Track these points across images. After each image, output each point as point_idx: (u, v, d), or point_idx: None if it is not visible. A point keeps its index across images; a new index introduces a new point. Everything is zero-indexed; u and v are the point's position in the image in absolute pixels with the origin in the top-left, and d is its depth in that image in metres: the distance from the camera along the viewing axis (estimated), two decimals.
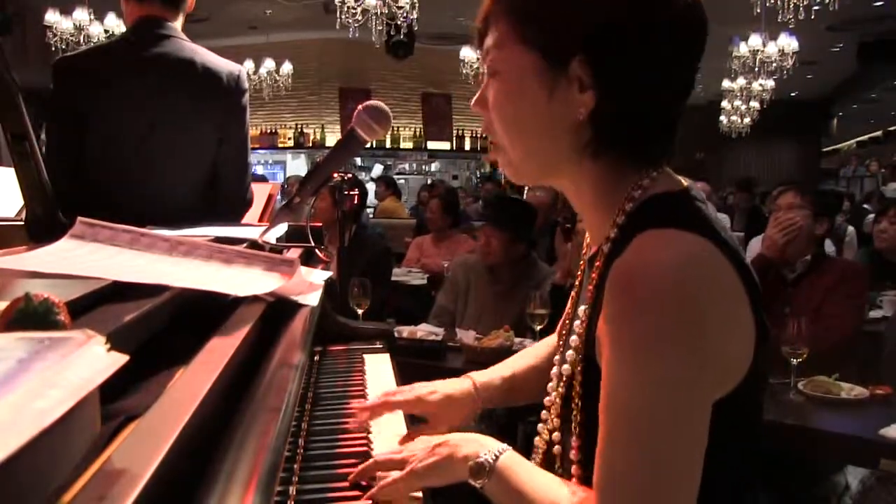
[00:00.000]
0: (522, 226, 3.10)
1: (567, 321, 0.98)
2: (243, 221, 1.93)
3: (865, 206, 8.81)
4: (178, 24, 1.87)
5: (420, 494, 0.90)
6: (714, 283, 0.73)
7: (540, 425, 0.96)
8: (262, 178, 8.28)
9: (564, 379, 0.89)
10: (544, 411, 0.95)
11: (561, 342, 0.98)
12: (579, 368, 0.85)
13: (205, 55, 1.86)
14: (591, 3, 0.77)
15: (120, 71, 1.81)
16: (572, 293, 1.00)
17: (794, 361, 2.05)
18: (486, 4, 0.86)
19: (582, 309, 0.87)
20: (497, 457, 0.83)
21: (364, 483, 0.89)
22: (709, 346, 0.71)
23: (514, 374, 1.14)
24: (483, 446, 0.84)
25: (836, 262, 2.70)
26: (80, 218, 0.94)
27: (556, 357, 0.96)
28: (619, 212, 0.82)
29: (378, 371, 1.44)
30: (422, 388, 1.09)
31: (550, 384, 0.95)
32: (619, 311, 0.73)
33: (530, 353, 1.18)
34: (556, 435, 0.92)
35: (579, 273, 0.98)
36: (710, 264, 0.73)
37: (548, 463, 0.94)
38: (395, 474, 0.88)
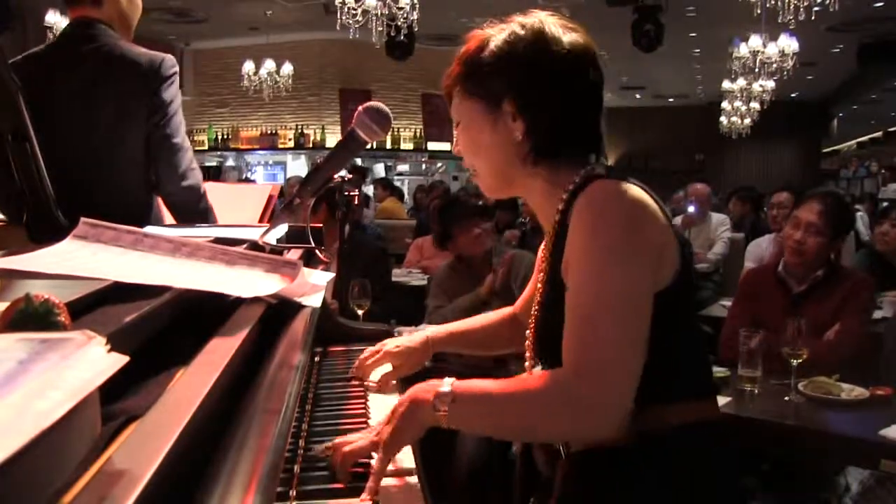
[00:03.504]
0: (485, 207, 3.18)
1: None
2: (242, 223, 1.92)
3: (857, 206, 8.78)
4: (109, 23, 1.86)
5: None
6: (642, 202, 1.04)
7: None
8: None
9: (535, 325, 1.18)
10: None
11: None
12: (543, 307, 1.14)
13: (128, 49, 1.85)
14: (508, 65, 1.10)
15: (49, 74, 1.80)
16: (537, 280, 1.27)
17: (794, 362, 2.05)
18: (445, 83, 1.18)
19: (543, 266, 1.17)
20: (451, 383, 0.99)
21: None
22: (645, 242, 1.02)
23: (458, 330, 1.50)
24: (435, 383, 1.00)
25: (845, 275, 2.57)
26: (83, 219, 0.94)
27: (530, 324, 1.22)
28: (560, 199, 1.11)
29: (378, 372, 1.44)
30: (389, 345, 1.43)
31: (527, 342, 1.23)
32: (583, 225, 1.02)
33: (481, 317, 1.54)
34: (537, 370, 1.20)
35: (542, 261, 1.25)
36: (640, 193, 1.05)
37: None
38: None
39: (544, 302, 1.15)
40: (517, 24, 1.12)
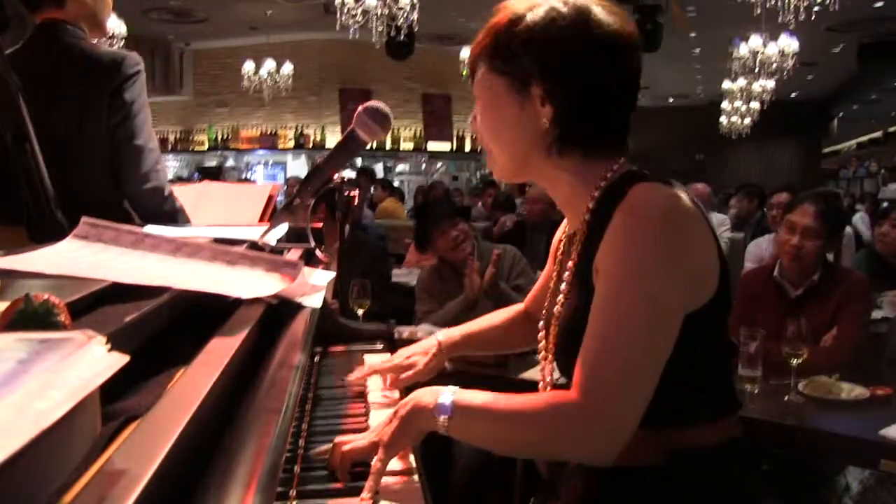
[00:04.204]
0: (462, 207, 3.14)
1: (551, 292, 1.19)
2: (242, 223, 1.91)
3: (858, 206, 8.78)
4: (76, 24, 1.84)
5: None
6: (691, 216, 0.97)
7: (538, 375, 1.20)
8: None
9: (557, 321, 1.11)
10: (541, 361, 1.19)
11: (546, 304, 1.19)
12: (571, 309, 1.08)
13: (90, 49, 1.83)
14: (543, 43, 1.01)
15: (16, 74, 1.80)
16: (551, 273, 1.24)
17: (794, 362, 2.04)
18: (471, 54, 1.11)
19: (569, 264, 1.10)
20: (453, 392, 0.96)
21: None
22: (687, 261, 0.95)
23: (473, 331, 1.43)
24: (437, 391, 0.97)
25: (841, 276, 2.54)
26: (83, 218, 0.94)
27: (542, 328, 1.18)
28: (591, 196, 1.05)
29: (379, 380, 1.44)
30: (398, 357, 1.37)
31: (541, 344, 1.18)
32: (623, 232, 0.95)
33: (493, 316, 1.46)
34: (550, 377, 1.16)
35: (559, 254, 1.21)
36: (687, 205, 0.97)
37: None
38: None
39: (572, 303, 1.08)
40: (559, 1, 1.02)
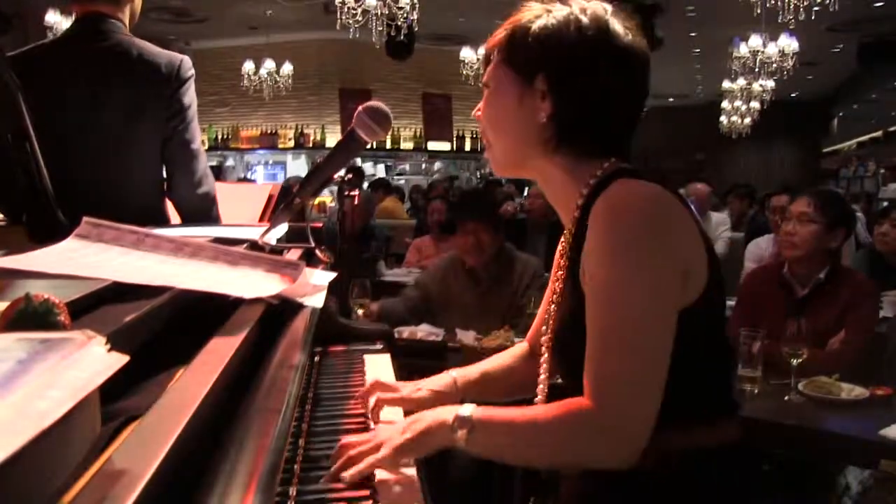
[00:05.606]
0: (497, 213, 3.03)
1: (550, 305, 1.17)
2: (241, 222, 1.90)
3: (854, 206, 8.76)
4: (122, 20, 1.83)
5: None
6: (673, 208, 0.98)
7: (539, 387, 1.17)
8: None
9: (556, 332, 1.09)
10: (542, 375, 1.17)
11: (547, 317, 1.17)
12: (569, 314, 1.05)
13: (144, 47, 1.81)
14: (556, 41, 1.04)
15: (56, 71, 1.76)
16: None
17: (794, 362, 2.04)
18: (487, 46, 1.14)
19: (562, 262, 1.10)
20: (472, 408, 0.96)
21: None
22: (673, 254, 0.95)
23: (488, 371, 1.31)
24: (455, 407, 0.97)
25: (849, 276, 2.53)
26: (85, 218, 0.94)
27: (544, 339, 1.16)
28: (580, 193, 1.06)
29: (378, 372, 1.43)
30: (407, 387, 1.23)
31: (543, 352, 1.16)
32: (603, 232, 0.96)
33: (506, 355, 1.36)
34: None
35: (560, 259, 1.17)
36: (668, 197, 0.98)
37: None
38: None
39: (566, 302, 1.09)
40: (578, 7, 1.07)
